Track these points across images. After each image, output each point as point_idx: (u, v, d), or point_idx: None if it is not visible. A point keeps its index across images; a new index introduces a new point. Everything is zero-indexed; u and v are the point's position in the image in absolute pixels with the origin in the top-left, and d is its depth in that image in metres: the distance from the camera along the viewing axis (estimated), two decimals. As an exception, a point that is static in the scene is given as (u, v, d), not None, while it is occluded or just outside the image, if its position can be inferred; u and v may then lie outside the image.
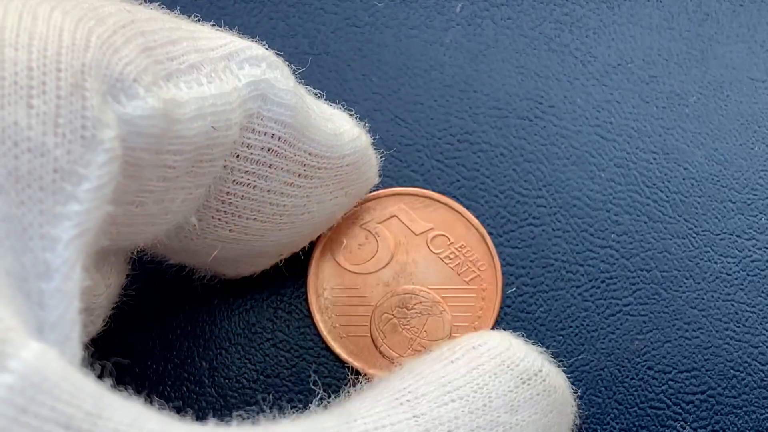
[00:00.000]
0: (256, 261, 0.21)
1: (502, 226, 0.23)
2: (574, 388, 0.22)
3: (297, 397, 0.22)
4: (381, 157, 0.24)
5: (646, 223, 0.24)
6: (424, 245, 0.23)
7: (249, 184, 0.18)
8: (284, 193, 0.19)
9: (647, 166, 0.24)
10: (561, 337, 0.23)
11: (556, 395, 0.18)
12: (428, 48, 0.25)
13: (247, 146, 0.18)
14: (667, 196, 0.24)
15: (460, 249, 0.23)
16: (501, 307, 0.23)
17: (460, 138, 0.24)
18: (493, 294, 0.23)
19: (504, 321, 0.23)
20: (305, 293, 0.23)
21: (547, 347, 0.23)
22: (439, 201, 0.23)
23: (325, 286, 0.22)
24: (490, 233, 0.23)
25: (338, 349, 0.22)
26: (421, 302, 0.22)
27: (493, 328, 0.23)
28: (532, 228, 0.23)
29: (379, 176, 0.22)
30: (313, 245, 0.22)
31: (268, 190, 0.19)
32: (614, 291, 0.23)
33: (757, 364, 0.22)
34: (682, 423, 0.22)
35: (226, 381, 0.22)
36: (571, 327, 0.23)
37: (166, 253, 0.20)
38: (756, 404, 0.22)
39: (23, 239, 0.13)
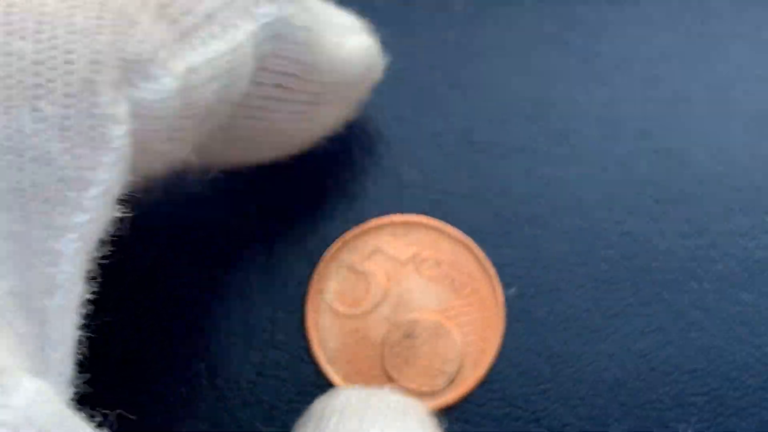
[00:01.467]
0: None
1: (502, 226, 0.23)
2: (575, 389, 0.22)
3: (296, 398, 0.22)
4: (381, 158, 0.24)
5: (648, 223, 0.23)
6: (414, 271, 0.23)
7: (256, 117, 0.18)
8: (290, 119, 0.19)
9: (650, 165, 0.24)
10: (562, 338, 0.23)
11: (431, 423, 0.19)
12: (428, 48, 0.25)
13: (258, 84, 0.17)
14: (671, 196, 0.24)
15: (450, 266, 0.23)
16: (505, 313, 0.23)
17: (459, 138, 0.24)
18: (493, 303, 0.22)
19: (505, 323, 0.23)
20: (305, 325, 0.22)
21: (549, 348, 0.23)
22: (418, 223, 0.23)
23: (327, 337, 0.22)
24: (490, 233, 0.23)
25: None
26: (425, 329, 0.22)
27: (507, 338, 0.22)
28: (533, 228, 0.23)
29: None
30: (304, 302, 0.22)
31: (274, 120, 0.18)
32: (616, 292, 0.23)
33: (761, 365, 0.22)
34: (685, 425, 0.22)
35: (225, 381, 0.22)
36: (572, 328, 0.23)
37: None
38: (760, 406, 0.22)
39: (27, 256, 0.13)
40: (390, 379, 0.22)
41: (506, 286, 0.23)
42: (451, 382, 0.22)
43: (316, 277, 0.22)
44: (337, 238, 0.23)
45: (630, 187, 0.24)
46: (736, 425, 0.22)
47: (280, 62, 0.17)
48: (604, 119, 0.24)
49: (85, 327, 0.15)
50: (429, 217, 0.23)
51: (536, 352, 0.23)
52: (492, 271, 0.23)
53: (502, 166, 0.24)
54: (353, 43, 0.20)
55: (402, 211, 0.23)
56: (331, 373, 0.22)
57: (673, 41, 0.25)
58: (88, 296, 0.14)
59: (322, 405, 0.19)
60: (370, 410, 0.18)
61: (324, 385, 0.22)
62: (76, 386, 0.15)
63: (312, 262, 0.23)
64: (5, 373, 0.12)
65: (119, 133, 0.13)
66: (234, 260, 0.23)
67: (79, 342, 0.14)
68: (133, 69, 0.14)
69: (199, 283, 0.23)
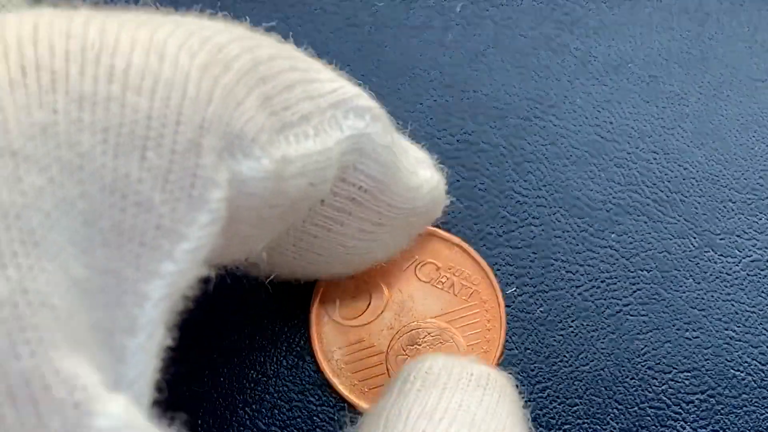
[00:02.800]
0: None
1: (502, 226, 0.23)
2: (573, 388, 0.22)
3: (297, 397, 0.22)
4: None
5: (646, 222, 0.24)
6: (414, 278, 0.23)
7: (326, 227, 0.18)
8: (355, 237, 0.19)
9: (647, 165, 0.24)
10: (561, 337, 0.23)
11: (511, 394, 0.19)
12: (428, 48, 0.25)
13: (334, 194, 0.18)
14: (668, 196, 0.24)
15: (449, 270, 0.23)
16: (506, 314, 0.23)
17: (459, 138, 0.24)
18: (495, 304, 0.23)
19: (506, 324, 0.23)
20: (309, 338, 0.22)
21: (547, 347, 0.23)
22: None
23: (332, 349, 0.22)
24: (489, 233, 0.23)
25: (365, 404, 0.22)
26: (429, 334, 0.22)
27: (506, 337, 0.23)
28: (532, 228, 0.23)
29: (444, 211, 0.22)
30: (308, 316, 0.23)
31: (342, 234, 0.19)
32: (614, 291, 0.23)
33: (758, 363, 0.22)
34: (682, 423, 0.22)
35: (226, 381, 0.22)
36: (571, 327, 0.23)
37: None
38: (756, 404, 0.22)
39: (117, 293, 0.13)
40: None
41: (505, 285, 0.23)
42: None
43: (317, 290, 0.22)
44: None
45: (627, 187, 0.24)
46: (733, 423, 0.22)
47: (359, 176, 0.18)
48: (602, 120, 0.24)
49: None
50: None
51: (535, 351, 0.23)
52: (491, 273, 0.23)
53: (500, 166, 0.24)
54: (425, 175, 0.20)
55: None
56: (338, 384, 0.22)
57: (669, 43, 0.25)
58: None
59: (408, 369, 0.19)
60: (452, 379, 0.18)
61: (324, 383, 0.22)
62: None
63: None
64: (100, 386, 0.12)
65: (217, 196, 0.14)
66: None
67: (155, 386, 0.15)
68: (237, 143, 0.14)
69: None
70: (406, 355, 0.22)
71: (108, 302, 0.13)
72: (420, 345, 0.22)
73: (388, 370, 0.22)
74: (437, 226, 0.23)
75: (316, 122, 0.16)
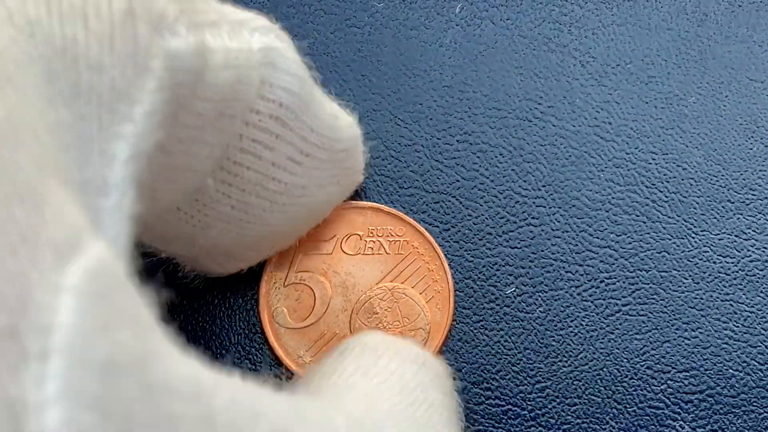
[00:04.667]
0: (246, 254, 0.21)
1: (501, 226, 0.23)
2: (573, 387, 0.22)
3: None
4: (380, 158, 0.24)
5: (645, 223, 0.24)
6: (344, 255, 0.23)
7: (255, 153, 0.19)
8: (287, 169, 0.19)
9: (646, 166, 0.24)
10: (560, 337, 0.23)
11: (447, 381, 0.19)
12: (427, 48, 0.25)
13: (257, 112, 0.18)
14: (666, 196, 0.24)
15: (371, 234, 0.23)
16: (450, 264, 0.23)
17: (459, 138, 0.24)
18: (426, 245, 0.23)
19: (503, 320, 0.23)
20: (276, 355, 0.22)
21: (547, 347, 0.23)
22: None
23: (300, 354, 0.22)
24: (489, 233, 0.23)
25: None
26: (381, 299, 0.23)
27: (455, 289, 0.23)
28: (531, 228, 0.23)
29: (365, 175, 0.23)
30: (263, 334, 0.23)
31: (273, 163, 0.19)
32: (613, 291, 0.23)
33: (756, 363, 0.23)
34: (681, 422, 0.22)
35: (226, 380, 0.22)
36: (570, 327, 0.23)
37: (158, 243, 0.20)
38: (755, 404, 0.22)
39: (86, 153, 0.13)
40: None
41: (505, 285, 0.23)
42: (428, 333, 0.22)
43: (262, 306, 0.22)
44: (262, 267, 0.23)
45: (626, 188, 0.24)
46: (732, 423, 0.22)
47: (276, 92, 0.18)
48: (601, 120, 0.24)
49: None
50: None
51: (534, 350, 0.23)
52: (408, 217, 0.23)
53: (500, 166, 0.24)
54: (338, 110, 0.21)
55: (407, 210, 0.24)
56: None
57: (668, 43, 0.25)
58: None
59: (348, 340, 0.19)
60: (390, 350, 0.19)
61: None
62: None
63: (253, 295, 0.23)
64: (78, 231, 0.12)
65: (159, 65, 0.15)
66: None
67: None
68: (161, 23, 0.15)
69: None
70: (370, 327, 0.22)
71: (80, 159, 0.13)
72: (378, 312, 0.22)
73: None
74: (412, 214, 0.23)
75: (228, 29, 0.17)
